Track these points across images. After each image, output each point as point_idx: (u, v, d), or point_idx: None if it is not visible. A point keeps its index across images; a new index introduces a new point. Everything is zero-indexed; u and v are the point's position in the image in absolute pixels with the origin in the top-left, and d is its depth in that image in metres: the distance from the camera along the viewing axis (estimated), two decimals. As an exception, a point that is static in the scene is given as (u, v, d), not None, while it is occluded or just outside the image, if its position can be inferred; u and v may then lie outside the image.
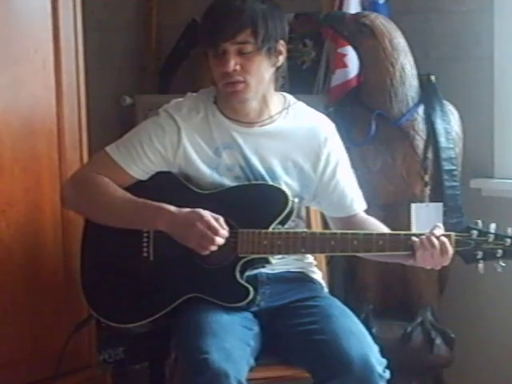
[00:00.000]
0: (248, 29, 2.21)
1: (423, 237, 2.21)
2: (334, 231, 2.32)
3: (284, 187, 2.32)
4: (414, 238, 2.22)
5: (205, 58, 2.31)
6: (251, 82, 2.26)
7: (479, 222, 2.24)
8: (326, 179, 2.39)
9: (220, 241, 2.21)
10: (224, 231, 2.21)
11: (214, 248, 2.21)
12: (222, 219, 2.22)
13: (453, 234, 2.23)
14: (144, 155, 2.32)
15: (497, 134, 3.11)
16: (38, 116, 2.75)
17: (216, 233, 2.19)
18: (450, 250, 2.20)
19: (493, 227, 2.22)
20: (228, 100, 2.32)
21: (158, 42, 3.83)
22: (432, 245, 2.19)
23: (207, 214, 2.21)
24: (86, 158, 2.83)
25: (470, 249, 2.22)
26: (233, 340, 2.18)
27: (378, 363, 2.16)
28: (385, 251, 2.25)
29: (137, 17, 3.83)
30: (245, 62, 2.23)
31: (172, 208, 2.25)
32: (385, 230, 2.36)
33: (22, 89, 2.70)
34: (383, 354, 2.21)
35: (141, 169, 2.34)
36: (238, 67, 2.23)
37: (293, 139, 2.37)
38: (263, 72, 2.28)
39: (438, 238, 2.20)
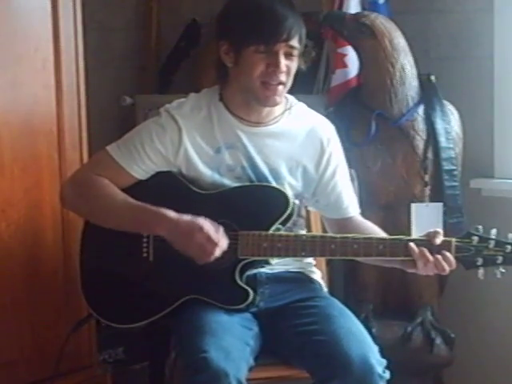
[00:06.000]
0: (297, 35, 2.26)
1: (423, 249, 2.19)
2: (334, 235, 2.31)
3: (286, 188, 2.32)
4: (414, 248, 2.20)
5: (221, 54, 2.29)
6: (287, 84, 2.29)
7: (480, 227, 2.21)
8: (326, 179, 2.40)
9: (218, 252, 2.20)
10: (224, 243, 2.21)
11: (211, 259, 2.21)
12: (222, 230, 2.22)
13: (453, 239, 2.20)
14: (145, 155, 2.32)
15: (497, 134, 3.11)
16: (37, 116, 2.75)
17: (215, 245, 2.19)
18: (452, 259, 2.19)
19: (493, 233, 2.19)
20: (260, 102, 2.30)
21: (158, 42, 3.82)
22: (432, 257, 2.19)
23: (207, 225, 2.20)
24: (86, 158, 2.83)
25: (470, 255, 2.19)
26: (232, 339, 2.18)
27: (378, 363, 2.16)
28: (385, 256, 2.24)
29: (137, 17, 3.83)
30: (289, 64, 2.27)
31: (172, 214, 2.23)
32: (381, 233, 2.35)
33: (22, 89, 2.70)
34: (383, 354, 2.20)
35: (142, 168, 2.33)
36: (285, 68, 2.26)
37: (296, 139, 2.37)
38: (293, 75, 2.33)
39: (438, 251, 2.19)
